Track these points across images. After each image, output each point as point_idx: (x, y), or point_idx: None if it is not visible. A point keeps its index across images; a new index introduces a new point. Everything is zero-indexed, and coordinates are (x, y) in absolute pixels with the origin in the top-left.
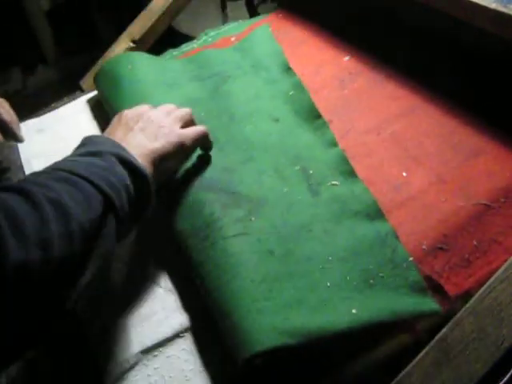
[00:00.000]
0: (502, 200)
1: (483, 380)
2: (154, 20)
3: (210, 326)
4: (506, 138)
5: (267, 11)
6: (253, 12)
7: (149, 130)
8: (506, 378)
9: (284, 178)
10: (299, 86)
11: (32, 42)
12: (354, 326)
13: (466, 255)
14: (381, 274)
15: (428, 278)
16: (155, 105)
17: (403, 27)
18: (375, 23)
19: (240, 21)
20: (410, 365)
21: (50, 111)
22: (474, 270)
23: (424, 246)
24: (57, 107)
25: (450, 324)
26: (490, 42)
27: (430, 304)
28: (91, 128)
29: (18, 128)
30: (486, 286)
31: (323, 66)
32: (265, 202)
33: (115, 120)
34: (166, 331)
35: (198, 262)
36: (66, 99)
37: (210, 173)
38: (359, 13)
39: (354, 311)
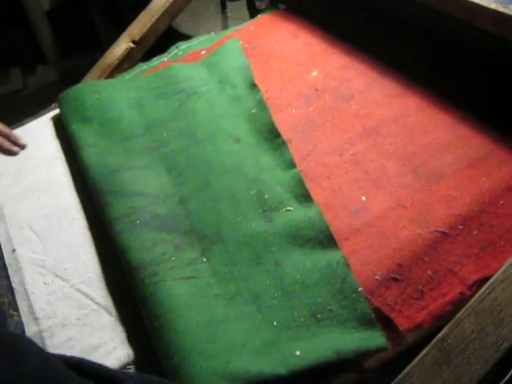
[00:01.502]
0: (460, 227)
1: (483, 380)
2: (154, 20)
3: (157, 360)
4: (469, 160)
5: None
6: (253, 12)
7: None
8: (506, 379)
9: (239, 204)
10: (262, 104)
11: (32, 42)
12: (296, 370)
13: (420, 286)
14: (329, 307)
15: (379, 311)
16: (123, 129)
17: (393, 31)
18: (362, 28)
19: (212, 33)
20: (411, 365)
21: (18, 127)
22: (428, 302)
23: (377, 277)
24: (24, 123)
25: (450, 324)
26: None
27: (377, 339)
28: (53, 146)
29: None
30: (486, 286)
31: (290, 82)
32: (218, 238)
33: None
34: (113, 363)
35: (144, 297)
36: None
37: (166, 207)
38: (349, 16)
39: (297, 353)
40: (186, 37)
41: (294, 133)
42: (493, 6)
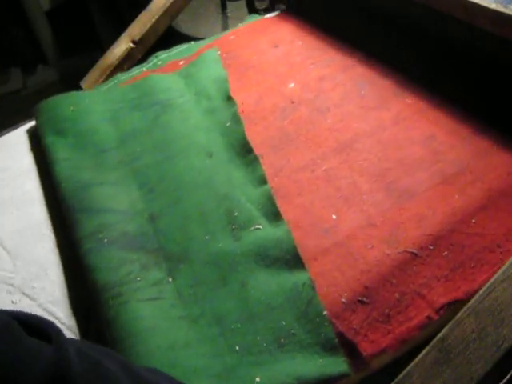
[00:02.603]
0: (431, 248)
1: (484, 380)
2: (154, 20)
3: None
4: (442, 177)
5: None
6: (253, 12)
7: None
8: (506, 379)
9: (208, 222)
10: (236, 117)
11: (32, 42)
12: None
13: (387, 310)
14: (293, 331)
15: (343, 335)
16: (97, 142)
17: (393, 31)
18: (360, 29)
19: (192, 42)
20: (411, 365)
21: None
22: (394, 326)
23: (344, 299)
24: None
25: (450, 324)
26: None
27: (340, 365)
28: (28, 159)
29: None
30: (486, 286)
31: (267, 94)
32: (185, 257)
33: None
34: None
35: (107, 319)
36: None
37: (135, 224)
38: (349, 16)
39: (257, 379)
40: (186, 37)
41: (267, 147)
42: (493, 5)
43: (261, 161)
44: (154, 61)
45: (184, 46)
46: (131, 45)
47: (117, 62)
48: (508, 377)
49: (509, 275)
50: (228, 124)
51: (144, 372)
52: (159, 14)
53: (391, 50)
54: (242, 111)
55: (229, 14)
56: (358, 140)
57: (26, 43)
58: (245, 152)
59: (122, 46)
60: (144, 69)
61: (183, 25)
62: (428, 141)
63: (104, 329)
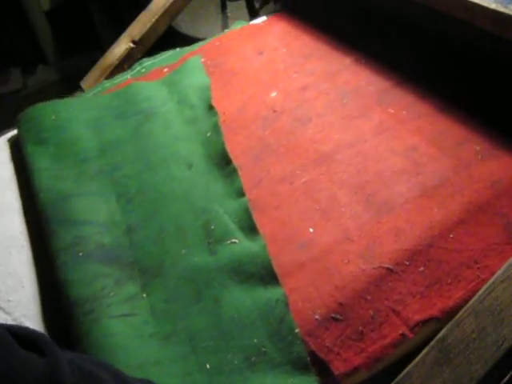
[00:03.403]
0: (407, 263)
1: (484, 380)
2: (153, 20)
3: None
4: (422, 190)
5: (268, 12)
6: (253, 12)
7: None
8: (506, 379)
9: (185, 235)
10: (216, 128)
11: (32, 42)
12: None
13: (360, 327)
14: (264, 349)
15: (315, 354)
16: (78, 151)
17: (393, 31)
18: (357, 28)
19: (177, 49)
20: (411, 365)
21: None
22: (367, 344)
23: (317, 316)
24: None
25: (450, 324)
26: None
27: None
28: (9, 169)
29: None
30: (486, 286)
31: (249, 103)
32: (160, 271)
33: None
34: None
35: (77, 336)
36: None
37: (111, 237)
38: (348, 16)
39: None
40: (186, 37)
41: (247, 158)
42: (493, 6)
43: (241, 172)
44: (138, 68)
45: (169, 53)
46: (131, 45)
47: (117, 62)
48: (508, 377)
49: (509, 275)
50: (208, 134)
51: (136, 382)
52: (159, 14)
53: (391, 50)
54: (224, 120)
55: (229, 14)
56: (339, 151)
57: (26, 43)
58: (224, 163)
59: (122, 46)
60: (128, 76)
61: (183, 25)
62: (409, 152)
63: (74, 346)
